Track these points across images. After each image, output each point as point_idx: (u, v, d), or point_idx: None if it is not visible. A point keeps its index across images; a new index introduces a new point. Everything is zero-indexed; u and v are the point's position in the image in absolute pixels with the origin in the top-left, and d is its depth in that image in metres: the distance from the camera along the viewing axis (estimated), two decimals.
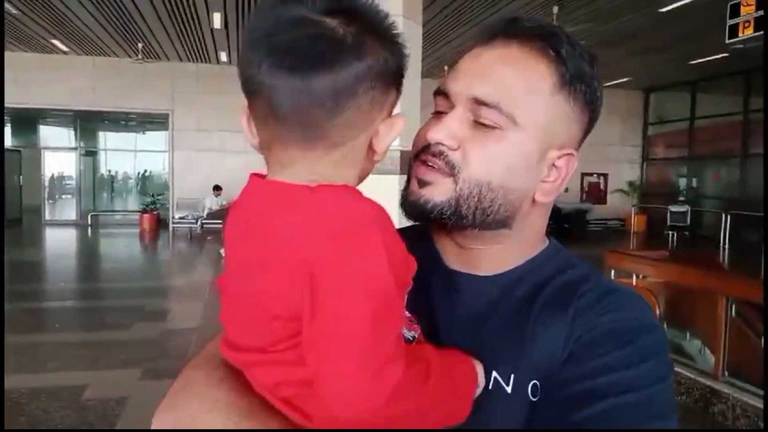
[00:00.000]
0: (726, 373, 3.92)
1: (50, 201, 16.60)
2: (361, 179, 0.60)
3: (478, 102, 0.63)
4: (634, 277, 4.83)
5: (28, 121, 16.39)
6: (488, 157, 0.63)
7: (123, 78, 13.89)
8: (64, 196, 16.97)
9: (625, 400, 0.56)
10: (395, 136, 0.58)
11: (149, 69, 13.54)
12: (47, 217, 16.03)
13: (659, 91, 16.87)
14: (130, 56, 13.24)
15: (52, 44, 12.47)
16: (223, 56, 13.47)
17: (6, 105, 13.83)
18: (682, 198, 15.81)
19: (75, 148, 16.38)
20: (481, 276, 0.69)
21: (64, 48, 12.88)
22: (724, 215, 12.21)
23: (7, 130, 16.87)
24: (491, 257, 0.69)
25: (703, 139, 15.67)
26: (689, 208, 14.60)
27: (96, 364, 4.57)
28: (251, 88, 0.54)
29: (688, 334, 4.90)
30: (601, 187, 17.19)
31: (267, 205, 0.55)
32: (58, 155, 16.64)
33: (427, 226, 0.71)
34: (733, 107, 14.17)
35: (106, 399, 3.88)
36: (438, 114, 0.67)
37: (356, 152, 0.57)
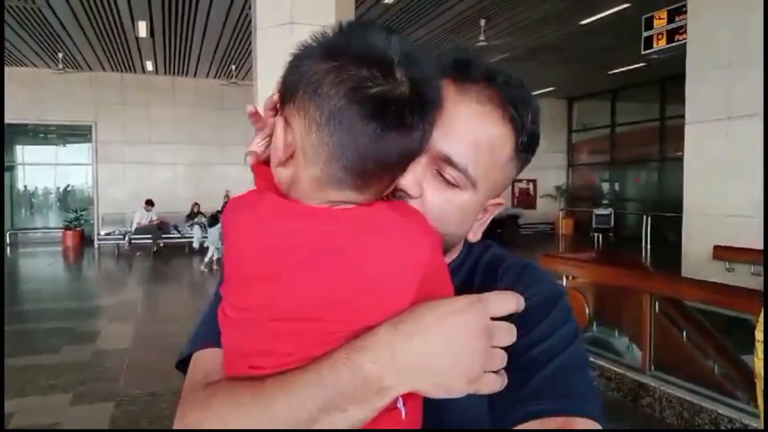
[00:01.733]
0: (652, 368, 4.14)
1: None
2: None
3: (448, 161, 0.67)
4: (565, 279, 5.02)
5: None
6: (445, 211, 0.69)
7: (42, 89, 13.25)
8: None
9: (561, 360, 0.66)
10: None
11: (70, 79, 12.96)
12: None
13: (581, 100, 17.68)
14: (49, 66, 12.64)
15: None
16: (149, 65, 13.08)
17: None
18: (605, 201, 16.59)
19: None
20: None
21: None
22: (645, 216, 12.90)
23: None
24: None
25: (624, 144, 16.52)
26: (612, 211, 15.32)
27: (23, 390, 4.32)
28: (315, 117, 0.57)
29: (616, 332, 5.14)
30: (531, 192, 17.80)
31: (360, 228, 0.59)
32: None
33: None
34: (651, 114, 15.03)
35: (36, 427, 3.68)
36: None
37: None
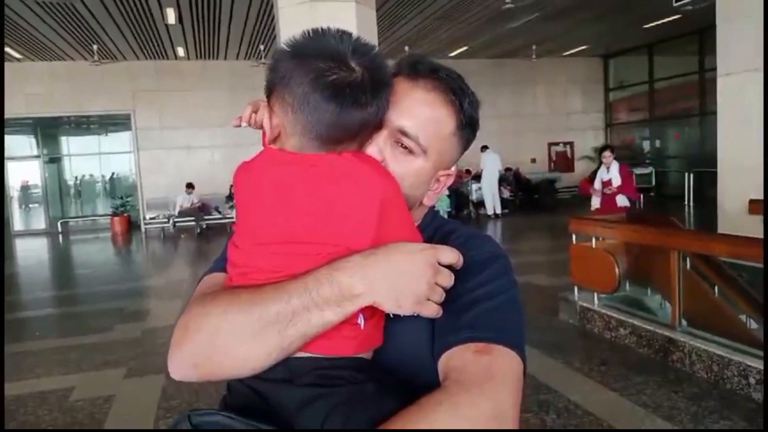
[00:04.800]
0: (682, 323, 4.15)
1: (18, 211, 16.33)
2: None
3: (403, 132, 0.85)
4: (594, 240, 5.03)
5: None
6: (402, 174, 0.85)
7: (80, 81, 13.68)
8: (31, 206, 16.71)
9: (497, 300, 0.81)
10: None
11: (107, 70, 13.35)
12: (16, 228, 15.78)
13: (617, 57, 17.16)
14: (86, 59, 13.04)
15: (5, 52, 12.21)
16: (181, 51, 13.33)
17: None
18: (647, 160, 16.20)
19: (38, 156, 16.07)
20: None
21: (17, 55, 12.63)
22: (686, 174, 12.58)
23: None
24: None
25: (663, 100, 16.04)
26: (653, 170, 14.98)
27: (80, 367, 4.64)
28: (295, 103, 0.75)
29: (648, 290, 5.14)
30: (568, 155, 17.51)
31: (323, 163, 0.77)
32: (21, 164, 16.32)
33: None
34: (690, 67, 14.51)
35: (94, 398, 3.96)
36: None
37: None
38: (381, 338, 0.81)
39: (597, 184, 7.07)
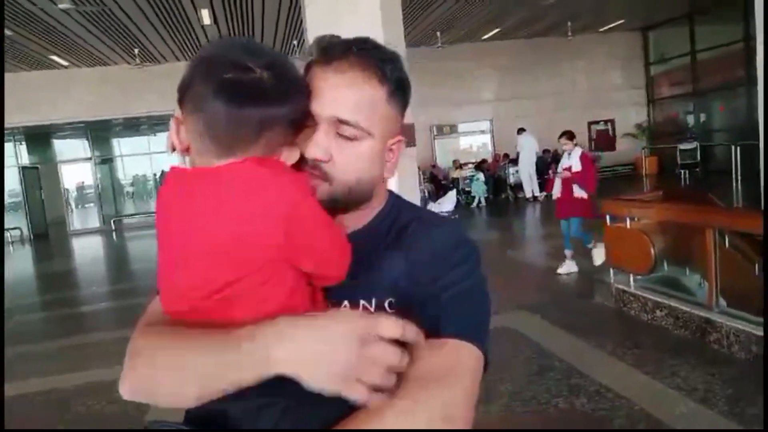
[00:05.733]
0: (720, 303, 4.09)
1: (73, 211, 17.12)
2: None
3: (342, 121, 0.82)
4: (628, 221, 4.98)
5: (42, 137, 16.84)
6: (352, 162, 0.84)
7: (126, 84, 14.15)
8: (85, 206, 17.49)
9: (467, 284, 0.83)
10: (292, 162, 0.80)
11: (149, 72, 13.78)
12: (72, 227, 16.54)
13: (657, 29, 16.61)
14: (128, 62, 13.48)
15: (51, 60, 12.76)
16: None
17: (17, 124, 14.28)
18: (692, 135, 15.69)
19: (90, 158, 16.79)
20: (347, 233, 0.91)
21: (63, 62, 13.16)
22: (733, 147, 12.15)
23: (23, 148, 17.34)
24: (352, 218, 0.90)
25: (707, 72, 15.46)
26: (698, 144, 14.49)
27: None
28: (193, 106, 0.74)
29: (687, 270, 5.06)
30: (610, 133, 17.11)
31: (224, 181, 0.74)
32: (74, 167, 17.10)
33: None
34: (734, 36, 13.94)
35: None
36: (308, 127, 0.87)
37: None
38: None
39: (563, 171, 6.58)
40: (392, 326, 0.68)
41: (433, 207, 8.02)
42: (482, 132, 16.99)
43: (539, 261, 7.64)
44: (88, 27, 10.43)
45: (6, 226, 16.43)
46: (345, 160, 0.83)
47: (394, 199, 0.96)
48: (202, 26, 11.12)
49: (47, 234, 16.39)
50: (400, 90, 0.87)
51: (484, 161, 15.06)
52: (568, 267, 6.36)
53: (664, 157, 15.91)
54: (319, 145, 0.81)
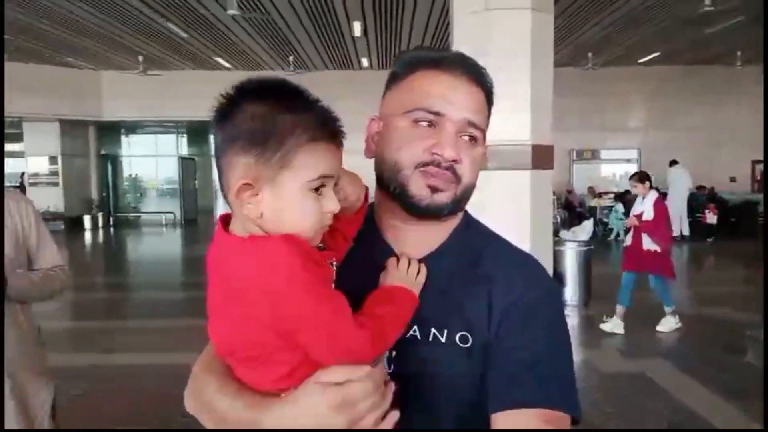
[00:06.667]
0: None
1: (221, 202, 18.53)
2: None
3: (470, 123, 0.86)
4: None
5: (200, 132, 18.43)
6: (475, 165, 0.88)
7: None
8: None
9: (557, 354, 0.83)
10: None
11: (299, 78, 14.55)
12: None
13: None
14: (283, 68, 14.38)
15: (216, 61, 13.93)
16: (365, 62, 14.10)
17: (177, 118, 15.76)
18: None
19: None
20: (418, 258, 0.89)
21: (226, 64, 14.32)
22: None
23: (183, 140, 19.16)
24: (431, 234, 0.90)
25: None
26: None
27: (191, 346, 5.04)
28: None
29: None
30: None
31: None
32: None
33: (371, 214, 0.94)
34: None
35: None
36: (419, 124, 0.86)
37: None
38: None
39: (630, 218, 5.73)
40: (335, 374, 0.71)
41: (566, 235, 7.61)
42: (627, 161, 15.95)
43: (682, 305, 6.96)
44: (251, 33, 11.26)
45: (161, 209, 18.26)
46: (468, 162, 0.86)
47: (466, 223, 0.96)
48: (353, 37, 11.56)
49: (196, 220, 17.91)
50: (491, 96, 0.92)
51: (627, 192, 14.09)
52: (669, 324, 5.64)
53: None
54: (454, 147, 0.84)
